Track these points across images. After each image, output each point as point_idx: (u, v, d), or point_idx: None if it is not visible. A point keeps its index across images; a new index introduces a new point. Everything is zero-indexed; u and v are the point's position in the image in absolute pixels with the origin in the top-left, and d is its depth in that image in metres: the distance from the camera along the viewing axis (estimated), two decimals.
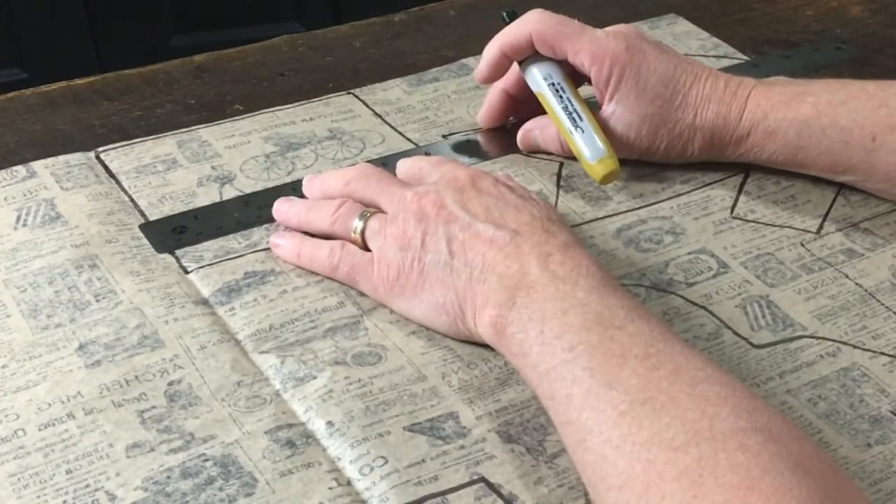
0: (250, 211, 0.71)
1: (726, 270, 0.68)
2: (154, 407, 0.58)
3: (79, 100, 0.83)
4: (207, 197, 0.73)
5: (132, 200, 0.72)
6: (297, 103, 0.83)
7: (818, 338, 0.63)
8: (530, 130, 0.76)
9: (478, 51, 0.89)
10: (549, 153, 0.76)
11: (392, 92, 0.84)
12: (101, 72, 0.87)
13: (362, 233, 0.64)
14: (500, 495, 0.53)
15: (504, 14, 0.77)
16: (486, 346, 0.62)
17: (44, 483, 0.54)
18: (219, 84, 0.86)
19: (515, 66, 0.76)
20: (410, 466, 0.55)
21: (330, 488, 0.54)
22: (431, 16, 0.97)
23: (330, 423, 0.57)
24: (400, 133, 0.80)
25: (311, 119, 0.81)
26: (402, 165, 0.70)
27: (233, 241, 0.69)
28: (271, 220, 0.70)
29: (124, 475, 0.54)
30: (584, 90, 0.76)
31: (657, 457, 0.47)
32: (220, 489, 0.54)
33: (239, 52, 0.90)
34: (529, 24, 0.73)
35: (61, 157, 0.75)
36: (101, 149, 0.77)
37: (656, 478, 0.47)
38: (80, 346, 0.61)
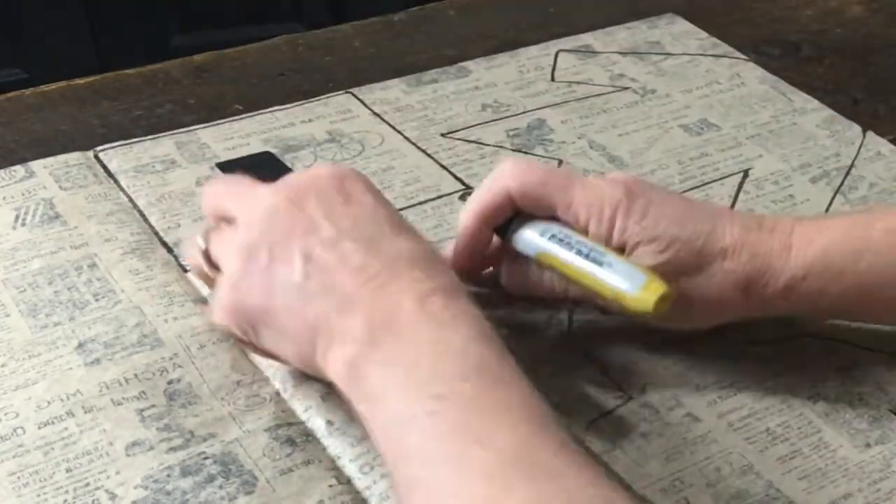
0: None
1: None
2: (154, 406, 0.58)
3: (79, 100, 0.83)
4: None
5: (131, 200, 0.72)
6: (296, 103, 0.83)
7: (818, 336, 0.63)
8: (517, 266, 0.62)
9: (478, 51, 0.90)
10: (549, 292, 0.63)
11: (391, 92, 0.84)
12: (101, 72, 0.87)
13: (206, 253, 0.57)
14: None
15: (465, 194, 0.65)
16: None
17: (43, 482, 0.54)
18: (219, 84, 0.86)
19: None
20: None
21: (330, 486, 0.54)
22: (431, 16, 0.97)
23: (330, 423, 0.57)
24: (399, 132, 0.80)
25: (310, 120, 0.81)
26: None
27: None
28: None
29: (124, 473, 0.54)
30: None
31: None
32: (221, 487, 0.54)
33: (239, 52, 0.90)
34: (505, 180, 0.59)
35: (60, 157, 0.75)
36: (99, 149, 0.77)
37: None
38: (80, 345, 0.61)
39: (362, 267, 0.51)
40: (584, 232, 0.58)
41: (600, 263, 0.57)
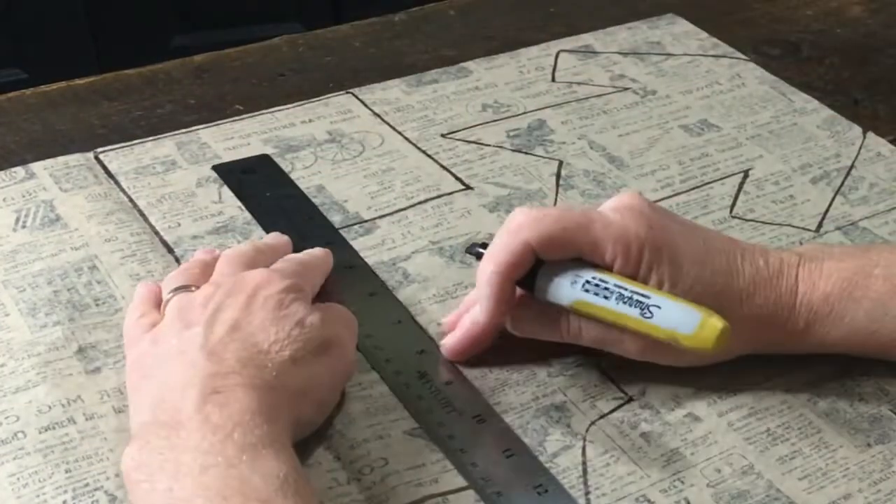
0: None
1: None
2: None
3: (79, 100, 0.83)
4: (207, 198, 0.73)
5: (131, 201, 0.72)
6: (296, 103, 0.83)
7: None
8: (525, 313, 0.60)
9: (478, 51, 0.90)
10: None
11: (391, 92, 0.84)
12: (101, 72, 0.87)
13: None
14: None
15: (477, 250, 0.62)
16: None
17: (43, 482, 0.54)
18: (219, 84, 0.86)
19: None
20: (410, 468, 0.55)
21: (330, 488, 0.54)
22: (431, 16, 0.96)
23: (330, 425, 0.57)
24: (399, 132, 0.80)
25: (310, 120, 0.81)
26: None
27: (231, 240, 0.69)
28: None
29: None
30: None
31: None
32: None
33: (239, 52, 0.90)
34: (523, 233, 0.57)
35: (60, 158, 0.75)
36: (99, 150, 0.77)
37: None
38: (80, 349, 0.61)
39: (185, 346, 0.54)
40: (610, 268, 0.57)
41: (648, 307, 0.56)
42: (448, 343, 0.61)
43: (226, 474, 0.47)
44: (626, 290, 0.56)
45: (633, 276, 0.57)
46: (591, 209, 0.59)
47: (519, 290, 0.59)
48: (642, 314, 0.56)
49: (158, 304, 0.60)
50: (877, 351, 0.59)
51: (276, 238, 0.66)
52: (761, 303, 0.58)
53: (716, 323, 0.54)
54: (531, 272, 0.58)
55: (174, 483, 0.47)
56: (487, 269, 0.58)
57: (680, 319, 0.55)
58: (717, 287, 0.57)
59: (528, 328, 0.60)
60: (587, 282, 0.57)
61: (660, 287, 0.57)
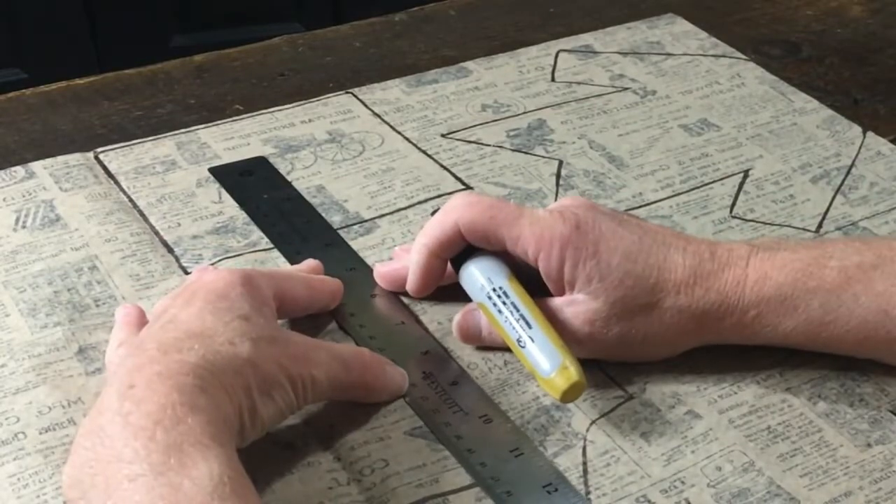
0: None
1: None
2: None
3: (79, 100, 0.83)
4: (207, 198, 0.73)
5: (131, 201, 0.72)
6: (296, 103, 0.83)
7: None
8: (471, 315, 0.62)
9: (478, 51, 0.90)
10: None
11: (391, 92, 0.84)
12: (101, 72, 0.87)
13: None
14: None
15: (431, 212, 0.65)
16: (482, 348, 0.62)
17: (43, 483, 0.54)
18: (219, 84, 0.86)
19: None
20: (411, 469, 0.55)
21: (330, 488, 0.54)
22: (431, 16, 0.97)
23: (330, 426, 0.57)
24: (399, 132, 0.80)
25: (310, 120, 0.81)
26: None
27: (231, 240, 0.69)
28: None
29: None
30: None
31: None
32: None
33: (239, 52, 0.90)
34: (454, 213, 0.60)
35: (60, 158, 0.75)
36: (99, 149, 0.77)
37: None
38: (80, 350, 0.61)
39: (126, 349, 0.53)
40: (535, 265, 0.59)
41: (522, 338, 0.57)
42: (380, 268, 0.65)
43: (154, 483, 0.45)
44: (517, 311, 0.58)
45: (559, 273, 0.58)
46: (527, 207, 0.61)
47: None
48: (518, 342, 0.58)
49: (140, 325, 0.58)
50: (831, 343, 0.59)
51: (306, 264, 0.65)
52: (702, 294, 0.58)
53: (568, 375, 0.55)
54: (465, 256, 0.61)
55: (107, 500, 0.45)
56: (419, 240, 0.61)
57: (541, 361, 0.56)
58: (651, 280, 0.57)
59: (473, 329, 0.62)
60: (494, 289, 0.59)
61: (588, 282, 0.58)
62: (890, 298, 0.57)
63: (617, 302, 0.57)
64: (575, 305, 0.58)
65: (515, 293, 0.59)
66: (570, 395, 0.56)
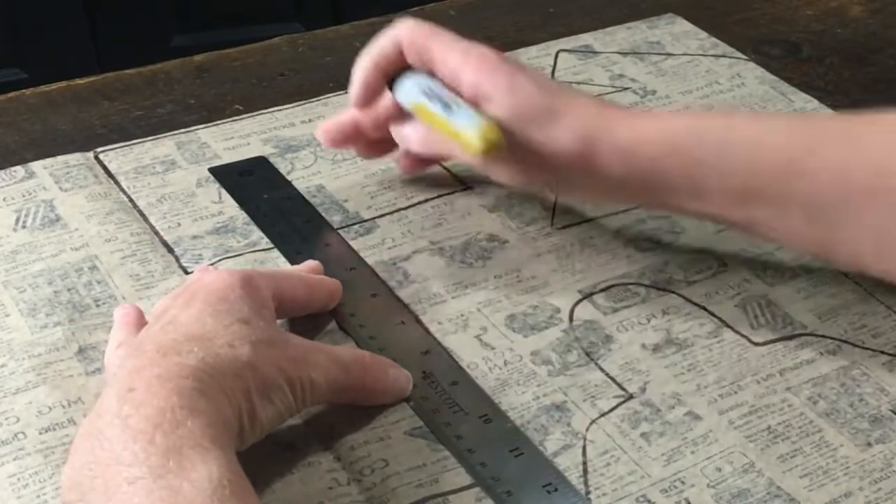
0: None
1: (726, 269, 0.68)
2: None
3: (79, 100, 0.83)
4: (207, 198, 0.73)
5: (131, 201, 0.72)
6: (296, 103, 0.83)
7: (818, 336, 0.63)
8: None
9: None
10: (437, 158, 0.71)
11: None
12: (101, 72, 0.87)
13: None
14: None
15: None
16: (483, 346, 0.62)
17: (43, 483, 0.54)
18: (219, 84, 0.86)
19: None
20: (411, 469, 0.55)
21: (330, 488, 0.54)
22: (431, 16, 0.96)
23: (331, 426, 0.57)
24: None
25: (310, 120, 0.81)
26: None
27: (231, 240, 0.69)
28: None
29: None
30: None
31: None
32: None
33: (239, 52, 0.90)
34: (399, 31, 0.66)
35: (60, 158, 0.75)
36: (99, 149, 0.77)
37: None
38: (80, 350, 0.61)
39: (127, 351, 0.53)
40: (457, 82, 0.64)
41: (449, 109, 0.63)
42: (322, 125, 0.71)
43: (154, 486, 0.44)
44: (445, 97, 0.64)
45: (476, 86, 0.63)
46: (465, 39, 0.67)
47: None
48: (442, 116, 0.63)
49: (139, 326, 0.58)
50: (704, 191, 0.61)
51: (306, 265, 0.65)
52: (590, 116, 0.62)
53: (491, 130, 0.61)
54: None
55: (106, 502, 0.45)
56: (364, 54, 0.68)
57: (465, 123, 0.62)
58: (547, 98, 0.62)
59: (404, 139, 0.69)
60: (427, 88, 0.65)
61: (498, 93, 0.63)
62: (764, 149, 0.59)
63: (515, 112, 0.62)
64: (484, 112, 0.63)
65: (447, 91, 0.65)
66: (490, 147, 0.61)
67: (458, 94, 0.64)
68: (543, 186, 0.68)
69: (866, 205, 0.57)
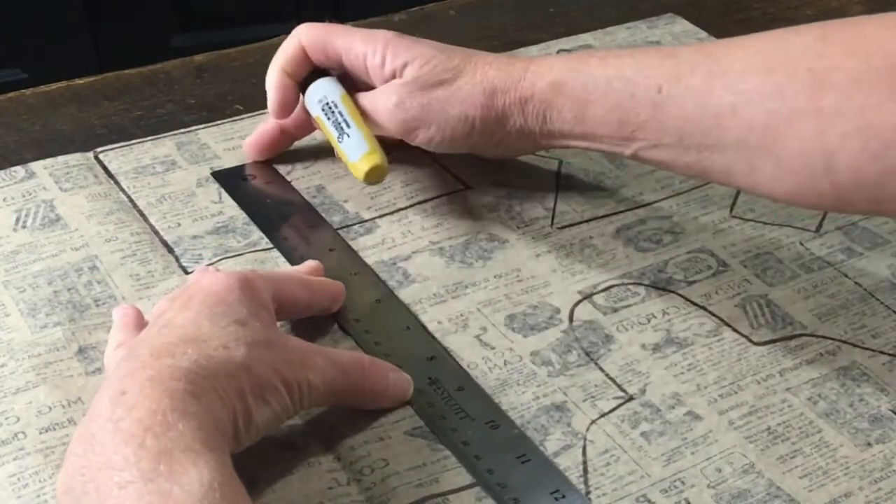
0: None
1: (726, 269, 0.68)
2: None
3: (79, 100, 0.83)
4: (207, 198, 0.73)
5: (131, 201, 0.72)
6: None
7: (818, 336, 0.63)
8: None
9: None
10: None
11: None
12: (101, 72, 0.87)
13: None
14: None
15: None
16: (483, 346, 0.62)
17: (43, 483, 0.54)
18: (219, 84, 0.86)
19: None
20: (411, 469, 0.55)
21: (330, 488, 0.54)
22: (431, 16, 0.97)
23: (331, 427, 0.57)
24: None
25: None
26: None
27: (231, 240, 0.69)
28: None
29: None
30: None
31: None
32: None
33: (239, 52, 0.90)
34: (298, 35, 0.71)
35: (60, 158, 0.75)
36: (99, 149, 0.77)
37: None
38: (80, 350, 0.61)
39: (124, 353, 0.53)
40: (365, 66, 0.69)
41: (342, 132, 0.68)
42: (247, 141, 0.75)
43: (144, 490, 0.44)
44: (342, 116, 0.69)
45: (382, 65, 0.68)
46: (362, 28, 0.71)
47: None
48: (338, 139, 0.69)
49: (138, 326, 0.58)
50: (592, 126, 0.65)
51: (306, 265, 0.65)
52: (493, 72, 0.67)
53: (371, 159, 0.67)
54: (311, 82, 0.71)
55: None
56: (272, 64, 0.71)
57: (353, 150, 0.68)
58: (454, 61, 0.68)
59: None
60: (327, 103, 0.70)
61: (403, 65, 0.68)
62: (636, 83, 0.63)
63: (424, 75, 0.67)
64: (387, 86, 0.68)
65: (343, 104, 0.69)
66: (372, 176, 0.67)
67: (369, 77, 0.69)
68: (460, 148, 0.70)
69: (727, 123, 0.59)
